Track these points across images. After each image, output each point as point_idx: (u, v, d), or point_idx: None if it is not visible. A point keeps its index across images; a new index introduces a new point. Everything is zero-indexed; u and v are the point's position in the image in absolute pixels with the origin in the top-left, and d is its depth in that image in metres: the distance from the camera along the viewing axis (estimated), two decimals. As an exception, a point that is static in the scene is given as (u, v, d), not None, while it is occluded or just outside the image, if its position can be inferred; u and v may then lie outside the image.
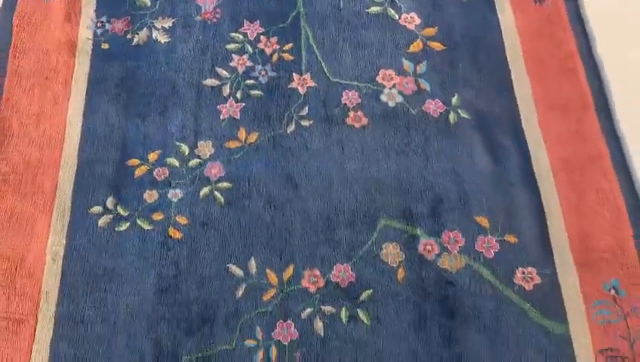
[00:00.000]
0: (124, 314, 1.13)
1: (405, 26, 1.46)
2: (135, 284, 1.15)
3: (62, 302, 1.14)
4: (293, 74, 1.38)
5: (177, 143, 1.29)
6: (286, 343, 1.14)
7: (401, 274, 1.21)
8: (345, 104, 1.35)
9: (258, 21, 1.45)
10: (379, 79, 1.39)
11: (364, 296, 1.19)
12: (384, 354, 1.13)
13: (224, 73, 1.38)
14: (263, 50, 1.42)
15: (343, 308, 1.17)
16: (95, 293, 1.15)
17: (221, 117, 1.33)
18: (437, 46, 1.44)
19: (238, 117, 1.33)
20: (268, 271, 1.20)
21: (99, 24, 1.43)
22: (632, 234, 1.24)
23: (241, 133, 1.31)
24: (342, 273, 1.20)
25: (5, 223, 1.17)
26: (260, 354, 1.13)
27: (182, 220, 1.23)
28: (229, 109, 1.34)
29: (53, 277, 1.16)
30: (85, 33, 1.41)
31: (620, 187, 1.26)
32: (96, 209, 1.22)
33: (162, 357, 1.10)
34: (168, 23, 1.44)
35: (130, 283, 1.15)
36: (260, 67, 1.39)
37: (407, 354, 1.13)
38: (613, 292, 1.20)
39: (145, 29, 1.44)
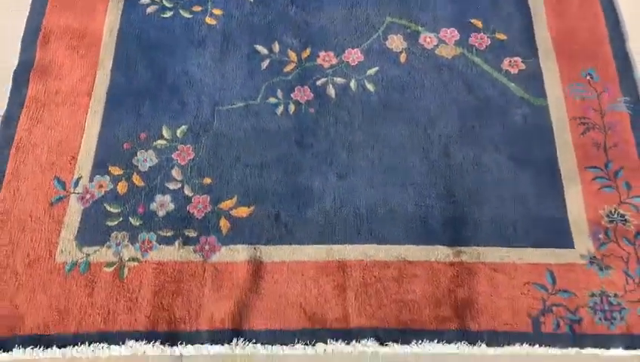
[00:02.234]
0: (173, 75, 1.36)
1: None
2: (180, 55, 1.38)
3: (116, 66, 1.37)
4: None
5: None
6: (302, 102, 1.35)
7: (403, 57, 1.41)
8: None
9: None
10: None
11: (370, 71, 1.39)
12: (389, 110, 1.33)
13: None
14: None
15: (352, 80, 1.38)
16: (144, 60, 1.38)
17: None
18: None
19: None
20: (289, 50, 1.41)
21: None
22: (607, 35, 1.43)
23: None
24: (352, 55, 1.41)
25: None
26: (281, 109, 1.34)
27: (217, 12, 1.45)
28: None
29: (110, 48, 1.38)
30: None
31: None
32: (145, 0, 1.46)
33: (201, 106, 1.33)
34: None
35: (174, 54, 1.38)
36: None
37: (408, 108, 1.34)
38: (588, 77, 1.40)
39: None
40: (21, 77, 1.33)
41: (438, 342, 1.08)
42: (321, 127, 1.31)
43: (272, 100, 1.34)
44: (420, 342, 1.08)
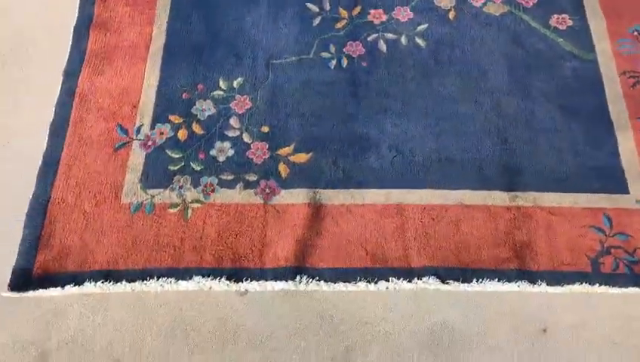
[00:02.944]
0: (227, 31, 1.39)
1: None
2: (234, 11, 1.43)
3: (173, 21, 1.41)
4: None
5: None
6: (355, 56, 1.37)
7: (452, 15, 1.43)
8: None
9: None
10: None
11: (420, 28, 1.41)
12: (440, 64, 1.35)
13: None
14: None
15: (403, 36, 1.40)
16: (200, 15, 1.43)
17: None
18: None
19: None
20: (339, 8, 1.44)
21: None
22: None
23: None
24: (402, 12, 1.43)
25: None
26: (334, 62, 1.36)
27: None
28: None
29: (166, 3, 1.44)
30: None
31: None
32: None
33: (256, 60, 1.36)
34: None
35: (229, 10, 1.43)
36: None
37: (459, 62, 1.36)
38: (636, 33, 1.41)
39: None
40: (81, 32, 1.37)
41: (498, 281, 1.10)
42: (374, 79, 1.33)
43: (325, 55, 1.36)
44: (480, 280, 1.09)
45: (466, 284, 1.09)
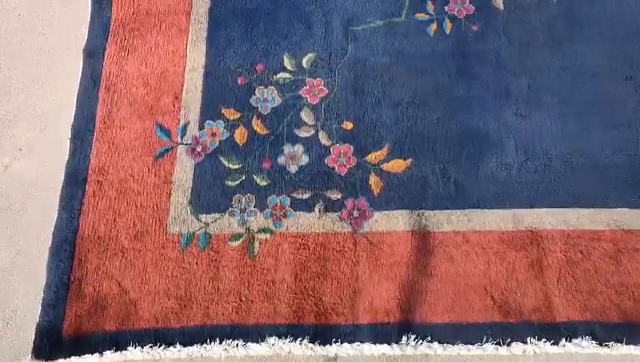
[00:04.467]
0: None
1: None
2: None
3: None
4: None
5: None
6: (461, 17, 1.01)
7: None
8: None
9: None
10: None
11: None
12: (576, 27, 0.99)
13: None
14: None
15: (526, -16, 1.02)
16: None
17: None
18: None
19: None
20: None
21: None
22: None
23: None
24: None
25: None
26: (433, 26, 1.01)
27: None
28: None
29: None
30: None
31: None
32: None
33: (330, 26, 1.01)
34: None
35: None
36: None
37: (602, 23, 0.99)
38: None
39: None
40: (101, -6, 1.04)
41: (680, 342, 0.79)
42: (490, 49, 0.99)
43: (421, 16, 1.02)
44: (653, 341, 0.79)
45: (633, 347, 0.79)
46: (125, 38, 1.01)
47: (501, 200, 0.90)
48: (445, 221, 0.89)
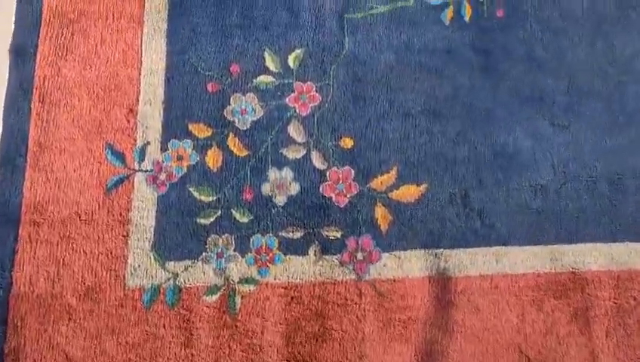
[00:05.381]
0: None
1: None
2: None
3: None
4: None
5: None
6: (483, 0, 0.81)
7: None
8: None
9: None
10: None
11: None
12: (625, 11, 0.81)
13: None
14: None
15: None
16: None
17: None
18: None
19: None
20: None
21: None
22: None
23: None
24: None
25: None
26: (448, 12, 0.81)
27: None
28: None
29: None
30: None
31: None
32: None
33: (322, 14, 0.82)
34: None
35: None
36: None
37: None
38: None
39: None
40: (30, -24, 0.82)
41: None
42: (518, 40, 0.82)
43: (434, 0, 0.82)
44: None
45: (698, 417, 0.65)
46: (62, 33, 0.80)
47: (536, 234, 0.73)
48: (469, 262, 0.73)
